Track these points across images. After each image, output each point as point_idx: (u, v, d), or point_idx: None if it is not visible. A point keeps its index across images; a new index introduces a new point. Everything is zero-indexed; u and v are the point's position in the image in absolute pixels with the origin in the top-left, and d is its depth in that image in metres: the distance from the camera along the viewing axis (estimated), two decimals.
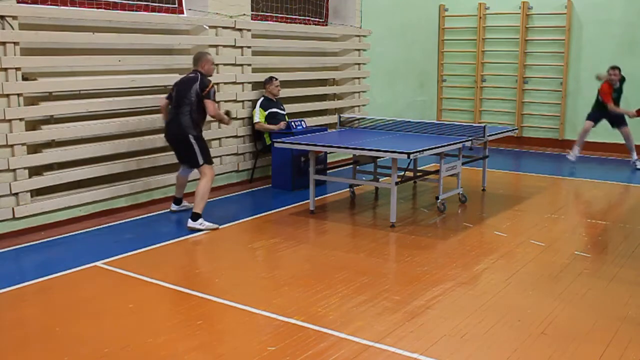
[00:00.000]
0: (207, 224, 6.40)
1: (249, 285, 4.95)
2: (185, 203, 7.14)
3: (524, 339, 4.00)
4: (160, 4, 7.74)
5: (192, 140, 6.50)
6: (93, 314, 4.42)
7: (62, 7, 6.59)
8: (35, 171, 6.41)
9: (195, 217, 6.40)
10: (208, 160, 6.61)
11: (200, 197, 6.42)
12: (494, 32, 12.44)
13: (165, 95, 6.86)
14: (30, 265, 5.60)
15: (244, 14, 8.50)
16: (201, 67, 6.68)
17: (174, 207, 7.16)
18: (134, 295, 4.76)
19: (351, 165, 7.97)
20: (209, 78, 6.66)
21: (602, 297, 4.72)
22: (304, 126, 8.54)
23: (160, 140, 7.51)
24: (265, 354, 3.79)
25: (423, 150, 6.40)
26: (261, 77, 8.66)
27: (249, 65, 8.52)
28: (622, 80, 9.90)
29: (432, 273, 5.18)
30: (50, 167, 6.55)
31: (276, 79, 8.66)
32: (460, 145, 7.16)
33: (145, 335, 4.07)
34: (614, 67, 9.75)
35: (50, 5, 6.52)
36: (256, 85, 8.67)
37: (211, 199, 6.13)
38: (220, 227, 6.47)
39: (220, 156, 8.21)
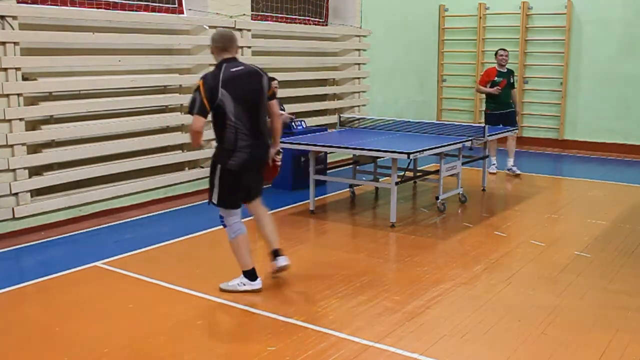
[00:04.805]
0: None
1: None
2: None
3: (524, 339, 4.00)
4: (160, 4, 7.74)
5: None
6: (93, 314, 4.42)
7: (62, 7, 6.59)
8: (35, 171, 6.42)
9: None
10: None
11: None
12: (494, 32, 12.43)
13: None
14: (30, 265, 5.59)
15: (244, 14, 8.50)
16: (236, 51, 4.82)
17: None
18: (134, 295, 4.76)
19: (351, 165, 7.96)
20: None
21: (602, 297, 4.72)
22: (304, 126, 8.53)
23: (159, 140, 7.52)
24: (265, 354, 3.79)
25: (423, 150, 6.41)
26: None
27: None
28: (512, 76, 9.35)
29: (432, 273, 5.18)
30: (50, 167, 6.55)
31: (273, 79, 8.61)
32: (460, 145, 7.16)
33: (145, 335, 4.07)
34: (503, 49, 9.36)
35: (50, 5, 6.52)
36: None
37: None
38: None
39: None
